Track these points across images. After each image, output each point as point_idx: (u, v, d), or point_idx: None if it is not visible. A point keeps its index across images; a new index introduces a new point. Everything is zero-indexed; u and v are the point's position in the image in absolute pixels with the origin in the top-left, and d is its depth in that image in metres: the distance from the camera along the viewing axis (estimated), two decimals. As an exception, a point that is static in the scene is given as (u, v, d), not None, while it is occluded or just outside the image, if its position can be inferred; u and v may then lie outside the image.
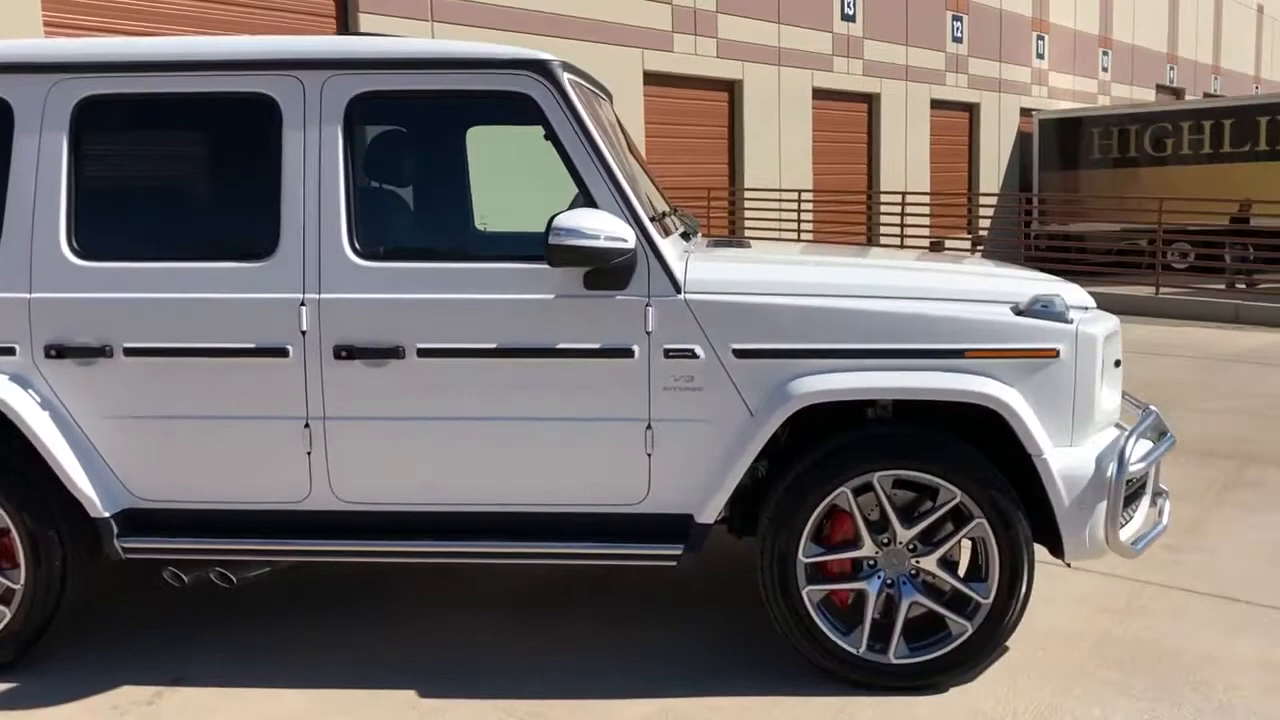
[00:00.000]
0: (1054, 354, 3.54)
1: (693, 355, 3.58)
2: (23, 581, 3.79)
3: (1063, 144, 22.58)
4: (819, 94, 19.58)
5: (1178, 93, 31.45)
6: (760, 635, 4.01)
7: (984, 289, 3.69)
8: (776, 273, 3.72)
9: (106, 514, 3.76)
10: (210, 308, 3.68)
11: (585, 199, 3.61)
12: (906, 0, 21.55)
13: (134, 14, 11.01)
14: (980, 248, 20.24)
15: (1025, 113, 24.64)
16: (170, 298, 3.69)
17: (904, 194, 18.30)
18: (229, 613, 4.42)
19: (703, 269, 3.67)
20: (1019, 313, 3.59)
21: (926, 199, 21.13)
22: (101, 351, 3.70)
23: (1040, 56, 25.64)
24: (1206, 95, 32.49)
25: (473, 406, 3.67)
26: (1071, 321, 3.58)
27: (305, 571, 4.71)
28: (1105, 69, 28.31)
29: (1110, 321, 3.73)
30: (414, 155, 4.22)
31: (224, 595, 4.39)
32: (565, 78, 3.64)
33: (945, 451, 3.54)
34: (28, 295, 3.72)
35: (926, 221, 20.35)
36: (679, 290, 3.60)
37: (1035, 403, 3.53)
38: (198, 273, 3.69)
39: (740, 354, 3.57)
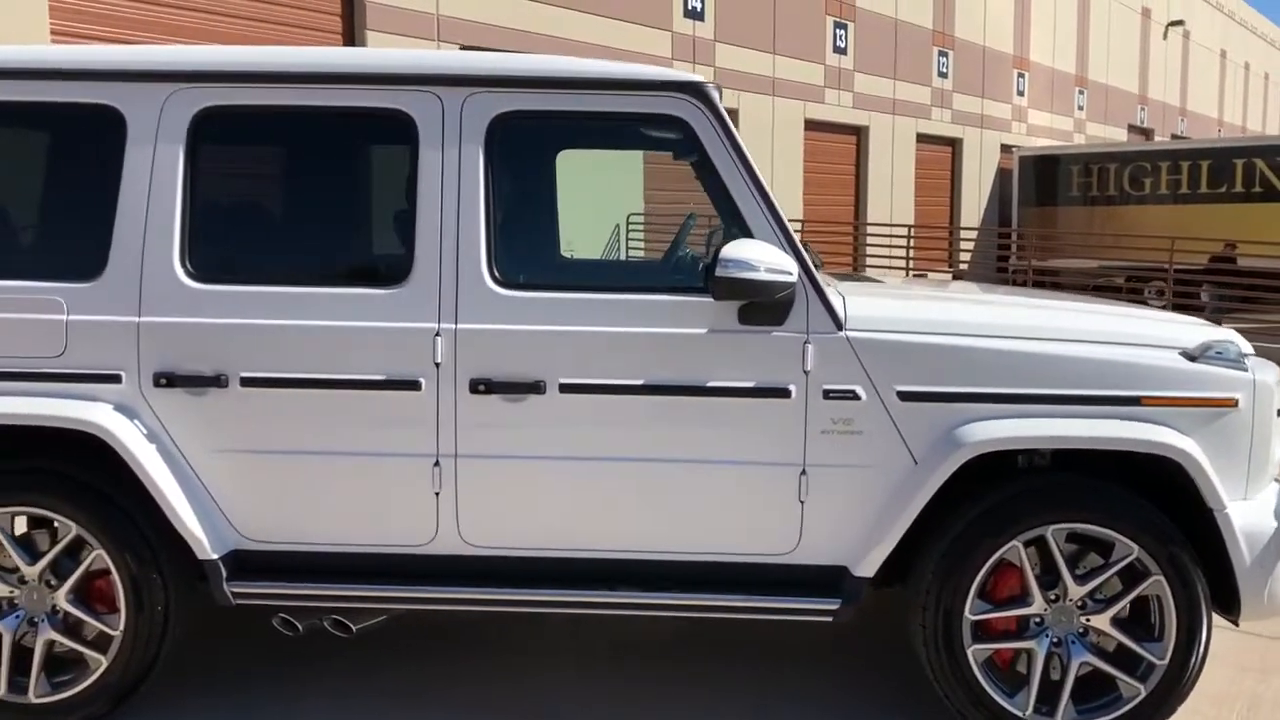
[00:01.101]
0: (1233, 404, 3.39)
1: (854, 397, 3.39)
2: (122, 627, 3.50)
3: (1042, 180, 22.78)
4: (810, 125, 19.59)
5: (1147, 133, 31.95)
6: (897, 694, 3.82)
7: (1154, 333, 3.54)
8: (942, 311, 3.55)
9: (215, 556, 3.50)
10: (336, 336, 3.44)
11: (738, 230, 3.42)
12: (895, 35, 21.68)
13: (140, 25, 10.70)
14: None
15: (1005, 149, 24.86)
16: (292, 324, 3.44)
17: (910, 226, 18.33)
18: (330, 657, 4.15)
19: (863, 305, 3.49)
20: (1191, 359, 3.44)
21: (911, 231, 21.20)
22: (216, 381, 3.44)
23: (1020, 94, 25.91)
24: (1174, 136, 33.07)
25: (615, 446, 3.45)
26: (1247, 369, 3.44)
27: (414, 618, 4.45)
28: (1081, 107, 28.68)
29: (1274, 369, 3.60)
30: (553, 180, 4.01)
31: (329, 640, 4.12)
32: (720, 100, 3.46)
33: (1124, 505, 3.38)
34: (136, 319, 3.46)
35: (912, 254, 20.40)
36: (840, 327, 3.41)
37: (1212, 454, 3.38)
38: (322, 298, 3.45)
39: (905, 396, 3.39)
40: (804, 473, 3.42)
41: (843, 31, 20.40)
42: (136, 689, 3.56)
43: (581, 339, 3.41)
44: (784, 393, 3.39)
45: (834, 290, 3.52)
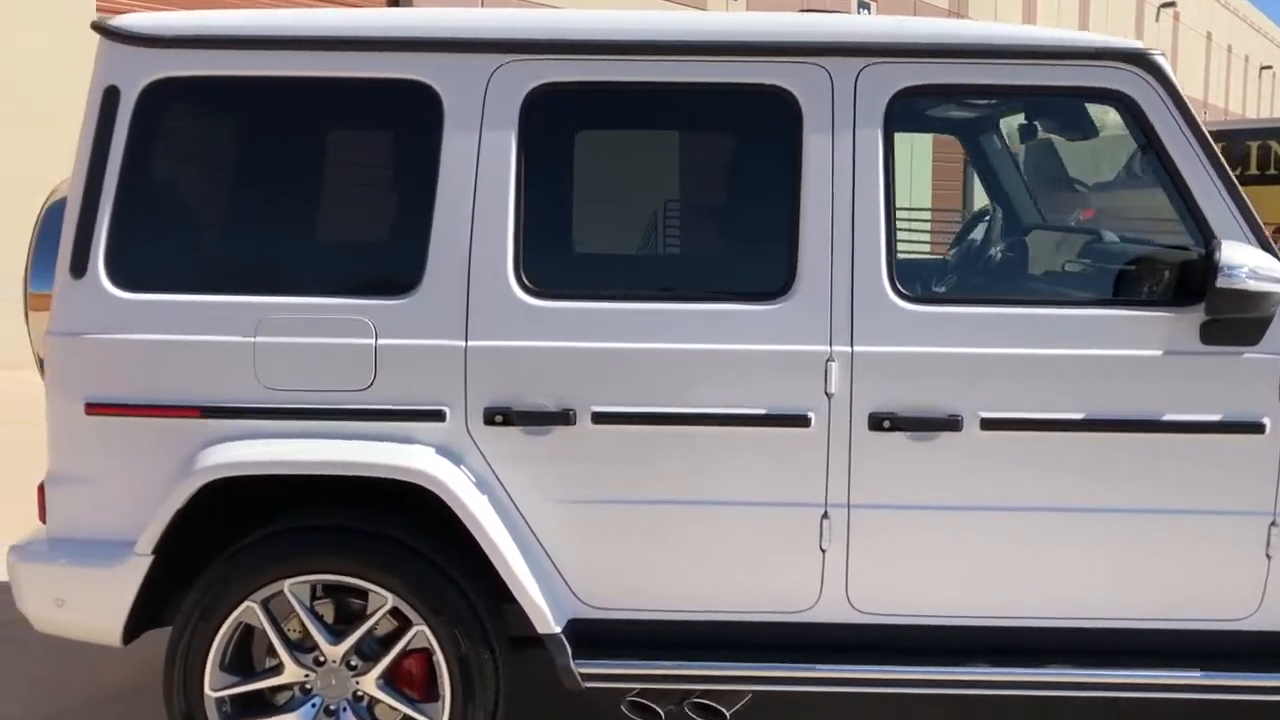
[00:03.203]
0: None
1: None
2: (446, 718, 2.89)
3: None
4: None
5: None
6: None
7: None
8: None
9: (558, 630, 2.89)
10: (705, 362, 2.84)
11: (1197, 226, 2.86)
12: (914, 12, 21.28)
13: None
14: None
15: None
16: (654, 349, 2.83)
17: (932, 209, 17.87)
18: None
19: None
20: None
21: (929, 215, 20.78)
22: (561, 417, 2.83)
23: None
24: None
25: (1045, 493, 2.88)
26: None
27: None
28: (1082, 89, 28.47)
29: None
30: (958, 169, 3.41)
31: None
32: (1172, 73, 2.89)
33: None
34: (462, 343, 2.83)
35: (928, 238, 19.97)
36: (1323, 347, 2.86)
37: None
38: (688, 317, 2.85)
39: None
40: (1275, 524, 2.87)
41: (865, 10, 20.12)
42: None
43: (1007, 363, 2.83)
44: (1257, 428, 2.83)
45: None
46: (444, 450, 2.84)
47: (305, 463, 2.79)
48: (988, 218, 3.82)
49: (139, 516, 2.86)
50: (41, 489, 2.98)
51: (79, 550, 2.90)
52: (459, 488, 2.80)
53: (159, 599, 2.95)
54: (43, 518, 2.99)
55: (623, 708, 2.97)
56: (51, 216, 3.37)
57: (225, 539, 2.98)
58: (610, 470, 2.87)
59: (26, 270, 3.34)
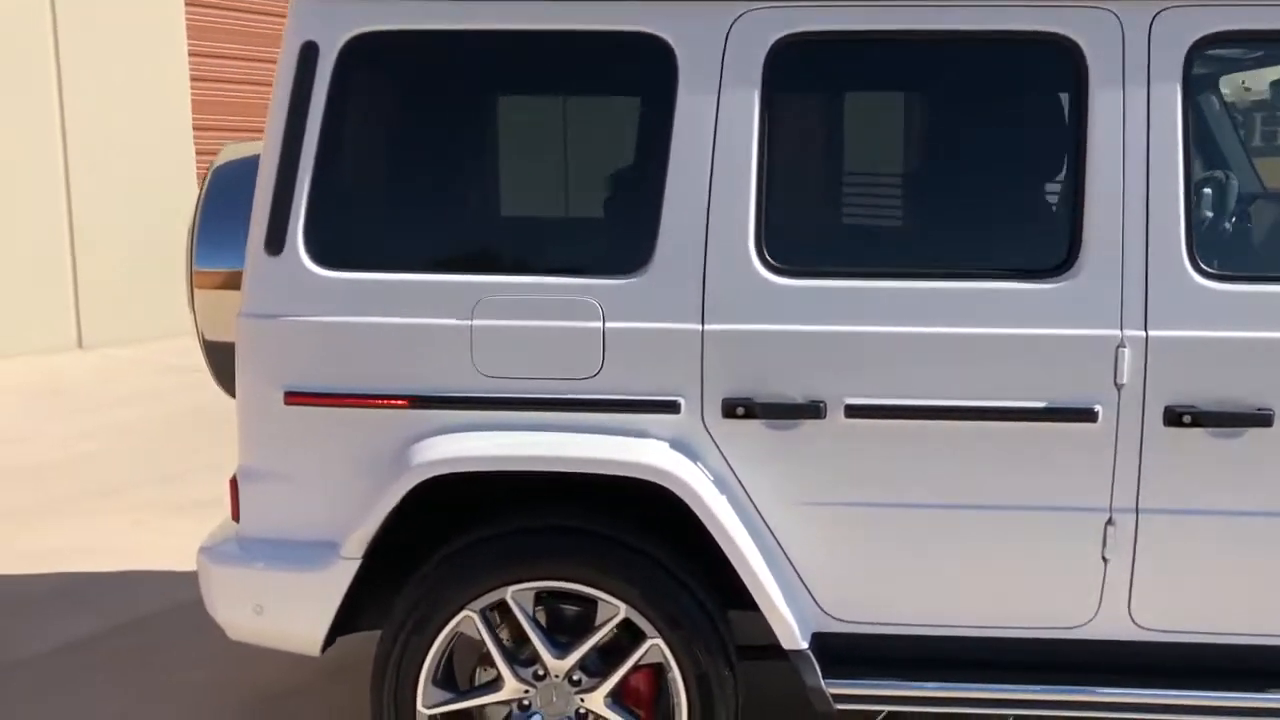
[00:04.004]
0: None
1: None
2: (681, 743, 2.62)
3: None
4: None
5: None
6: None
7: None
8: None
9: (805, 645, 2.60)
10: (972, 348, 2.50)
11: None
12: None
13: None
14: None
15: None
16: (915, 333, 2.51)
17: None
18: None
19: None
20: None
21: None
22: (811, 410, 2.52)
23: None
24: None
25: (1367, 498, 2.52)
26: None
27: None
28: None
29: None
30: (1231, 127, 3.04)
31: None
32: None
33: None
34: (698, 327, 2.53)
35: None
36: None
37: None
38: (952, 298, 2.51)
39: None
40: None
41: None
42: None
43: None
44: None
45: None
46: (678, 445, 2.56)
47: (534, 458, 2.51)
48: (1223, 184, 3.43)
49: (343, 517, 2.62)
50: (234, 484, 2.75)
51: (279, 553, 2.67)
52: (700, 487, 2.51)
53: (354, 605, 2.71)
54: (235, 515, 2.76)
55: (871, 731, 2.69)
56: (219, 182, 3.13)
57: (425, 541, 2.74)
58: (864, 470, 2.56)
59: (190, 244, 3.10)
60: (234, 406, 2.75)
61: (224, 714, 3.44)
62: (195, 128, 10.52)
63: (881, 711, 2.68)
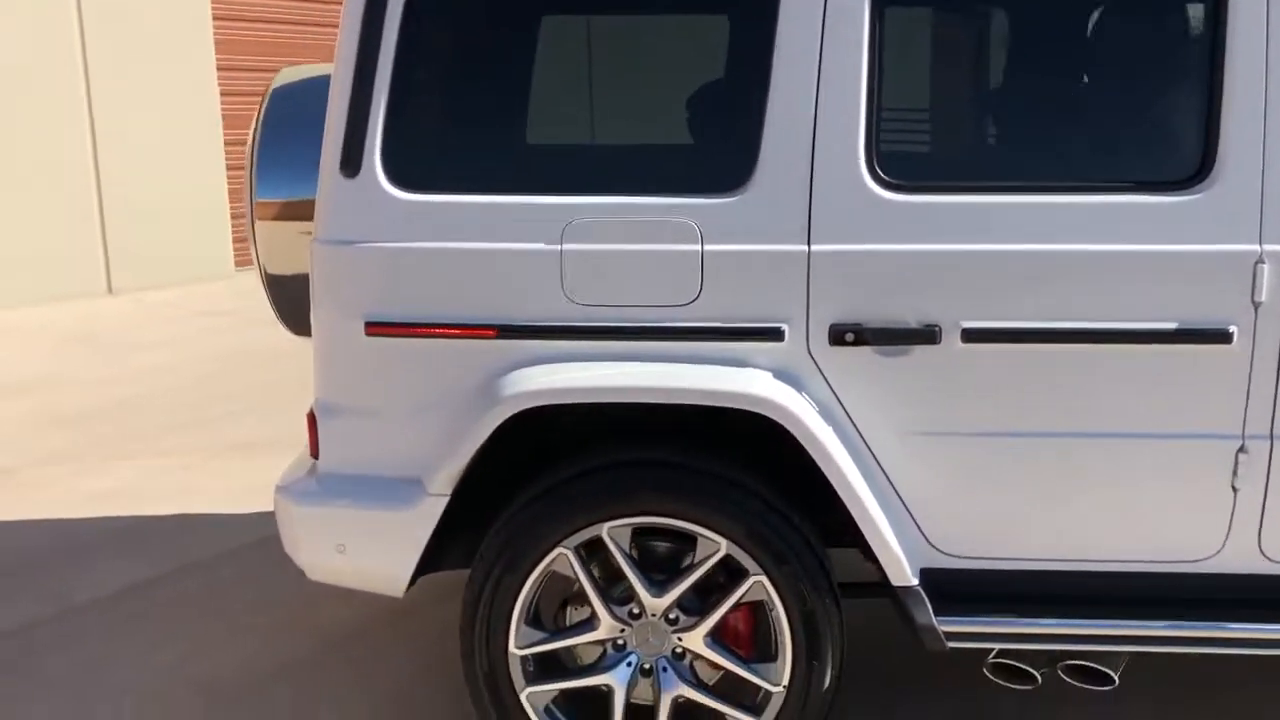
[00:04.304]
0: None
1: None
2: (786, 682, 2.50)
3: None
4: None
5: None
6: None
7: None
8: None
9: (915, 581, 2.48)
10: (1101, 266, 2.35)
11: None
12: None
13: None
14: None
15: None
16: (1038, 252, 2.35)
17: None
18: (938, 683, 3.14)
19: None
20: None
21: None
22: (926, 335, 2.38)
23: None
24: None
25: None
26: None
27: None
28: None
29: None
30: None
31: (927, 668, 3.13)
32: None
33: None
34: (803, 248, 2.38)
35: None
36: None
37: None
38: (1077, 212, 2.36)
39: None
40: None
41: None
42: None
43: None
44: None
45: None
46: (783, 374, 2.42)
47: (632, 389, 2.38)
48: None
49: (429, 452, 2.50)
50: (312, 419, 2.63)
51: (362, 490, 2.55)
52: (807, 417, 2.37)
53: (438, 544, 2.60)
54: (314, 451, 2.64)
55: (985, 670, 2.57)
56: (277, 105, 2.98)
57: (509, 481, 2.62)
58: (982, 398, 2.41)
59: (250, 172, 2.96)
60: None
61: (294, 656, 3.35)
62: (220, 68, 10.32)
63: (993, 650, 2.56)
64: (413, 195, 2.46)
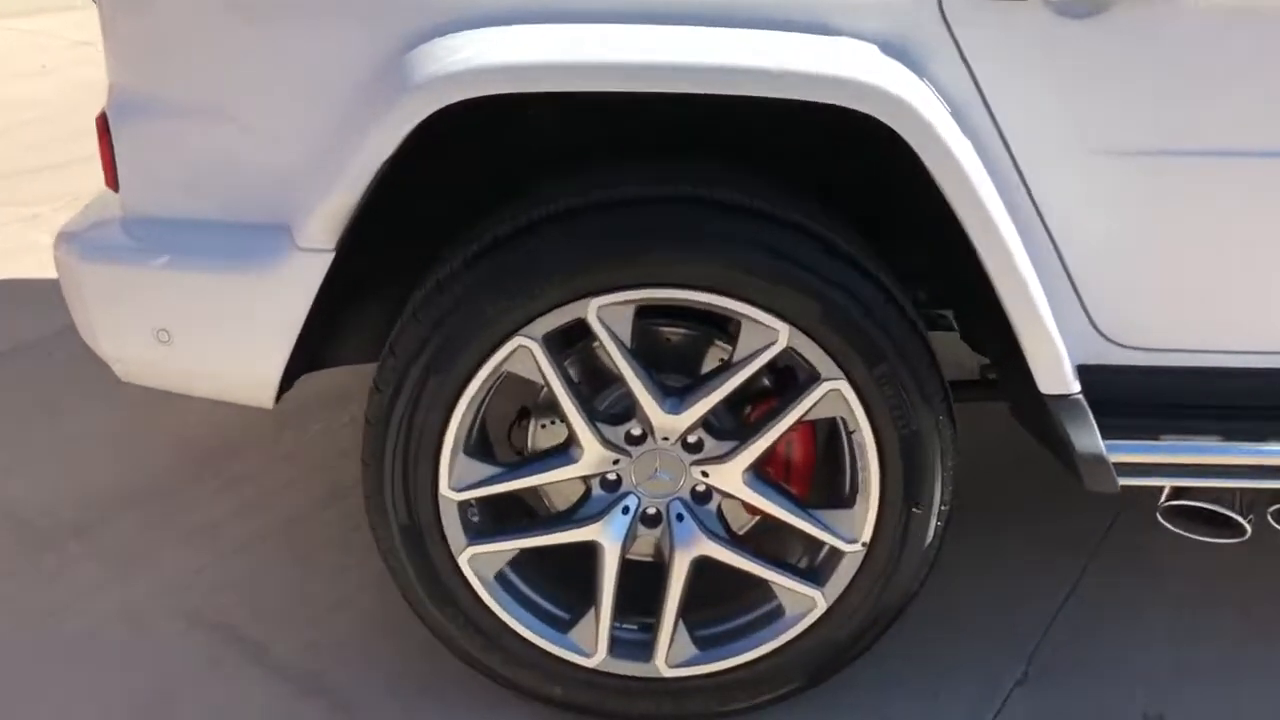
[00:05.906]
0: None
1: None
2: (866, 538, 1.63)
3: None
4: None
5: None
6: None
7: None
8: None
9: (1077, 389, 1.58)
10: None
11: None
12: None
13: None
14: None
15: None
16: None
17: None
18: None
19: None
20: None
21: None
22: (1135, -19, 1.40)
23: None
24: None
25: None
26: None
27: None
28: None
29: None
30: None
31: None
32: None
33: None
34: None
35: None
36: None
37: None
38: None
39: None
40: None
41: None
42: (860, 655, 1.74)
43: None
44: None
45: None
46: (892, 47, 1.44)
47: (642, 68, 1.38)
48: None
49: (300, 179, 1.51)
50: (104, 128, 1.61)
51: (193, 242, 1.57)
52: (935, 119, 1.41)
53: (321, 327, 1.65)
54: (111, 181, 1.64)
55: (1158, 514, 1.72)
56: None
57: (436, 229, 1.65)
58: (1213, 95, 1.47)
59: None
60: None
61: (141, 482, 2.43)
62: None
63: (1165, 489, 1.71)
64: None
